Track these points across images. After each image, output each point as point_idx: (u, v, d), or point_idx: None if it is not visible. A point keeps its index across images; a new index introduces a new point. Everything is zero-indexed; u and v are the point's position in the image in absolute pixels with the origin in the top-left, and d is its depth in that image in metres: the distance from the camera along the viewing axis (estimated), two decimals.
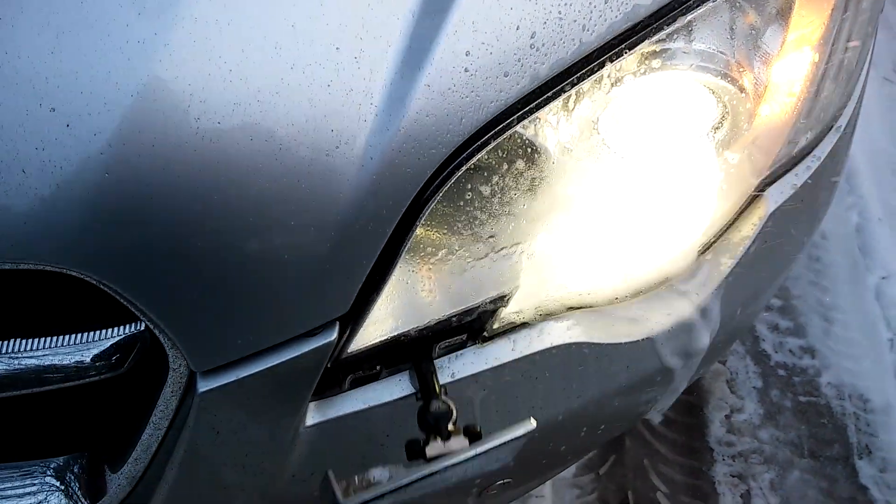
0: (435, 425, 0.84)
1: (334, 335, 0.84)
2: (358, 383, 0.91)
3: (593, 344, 0.97)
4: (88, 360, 0.79)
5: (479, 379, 0.94)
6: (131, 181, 0.72)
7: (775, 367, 2.10)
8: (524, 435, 0.83)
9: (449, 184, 0.83)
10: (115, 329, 0.80)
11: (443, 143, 0.81)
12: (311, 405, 0.89)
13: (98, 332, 0.80)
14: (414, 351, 0.92)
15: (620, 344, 0.99)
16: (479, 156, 0.83)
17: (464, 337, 0.94)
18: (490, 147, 0.83)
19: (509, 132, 0.84)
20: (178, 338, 0.78)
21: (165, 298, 0.77)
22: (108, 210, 0.72)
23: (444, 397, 0.87)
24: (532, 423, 0.83)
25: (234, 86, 0.74)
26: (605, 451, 1.90)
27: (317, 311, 0.82)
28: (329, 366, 0.87)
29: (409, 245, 0.84)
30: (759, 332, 2.14)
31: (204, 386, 0.82)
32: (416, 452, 0.83)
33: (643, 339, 1.00)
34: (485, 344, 0.95)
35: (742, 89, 0.93)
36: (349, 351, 0.88)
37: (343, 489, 0.77)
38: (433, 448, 0.82)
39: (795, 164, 1.09)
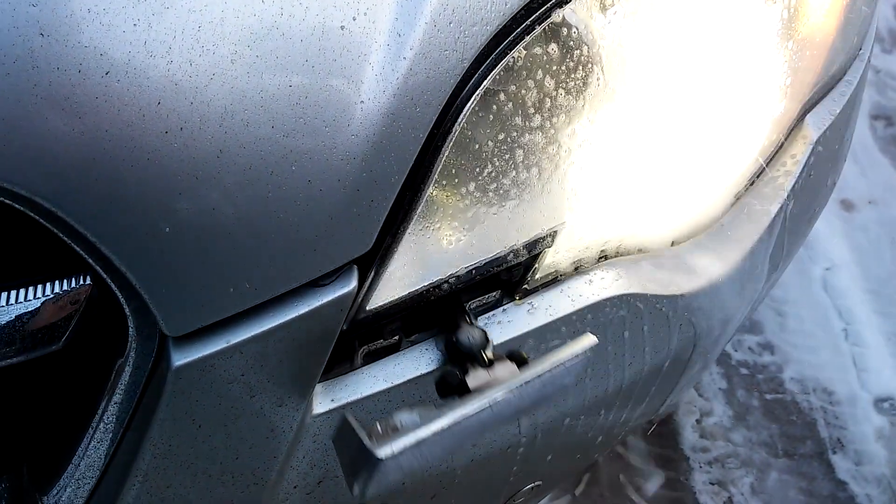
0: (470, 352, 0.64)
1: (353, 283, 0.63)
2: (373, 357, 0.69)
3: (650, 296, 0.79)
4: (10, 329, 0.54)
5: (523, 345, 0.74)
6: (78, 48, 0.50)
7: (737, 367, 2.01)
8: (585, 352, 0.64)
9: (494, 75, 0.64)
10: (47, 284, 0.55)
11: (486, 19, 0.62)
12: (319, 387, 0.66)
13: (22, 290, 0.55)
14: (441, 311, 0.71)
15: (678, 297, 0.81)
16: (528, 38, 0.65)
17: (498, 294, 0.74)
18: (542, 27, 0.65)
19: (559, 12, 0.66)
20: (146, 287, 0.55)
21: (128, 228, 0.53)
22: (43, 94, 0.49)
23: (475, 324, 0.68)
24: (592, 338, 0.65)
25: None
26: None
27: (331, 248, 0.61)
28: (345, 328, 0.65)
29: (447, 154, 0.64)
30: None
31: (181, 358, 0.58)
32: (450, 388, 0.64)
33: (700, 290, 0.83)
34: (523, 300, 0.75)
35: None
36: (368, 309, 0.66)
37: (367, 434, 0.56)
38: (475, 378, 0.62)
39: (831, 89, 0.96)
